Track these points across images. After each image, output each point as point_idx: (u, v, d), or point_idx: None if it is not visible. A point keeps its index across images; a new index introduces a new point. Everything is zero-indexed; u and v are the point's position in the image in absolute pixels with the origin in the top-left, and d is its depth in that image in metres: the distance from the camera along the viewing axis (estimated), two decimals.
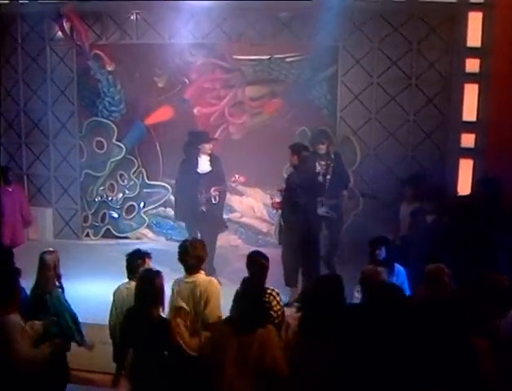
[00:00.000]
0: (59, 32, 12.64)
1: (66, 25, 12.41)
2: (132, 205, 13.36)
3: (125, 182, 13.26)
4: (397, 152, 12.25)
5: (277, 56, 12.46)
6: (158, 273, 6.67)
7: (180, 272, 7.26)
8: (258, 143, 12.34)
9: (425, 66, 12.01)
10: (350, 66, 12.16)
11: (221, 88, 12.80)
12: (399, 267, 8.36)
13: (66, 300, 7.67)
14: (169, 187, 12.87)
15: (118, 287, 7.43)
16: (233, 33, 12.36)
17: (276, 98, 12.65)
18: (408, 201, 10.90)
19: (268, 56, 12.46)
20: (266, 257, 7.12)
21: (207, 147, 10.76)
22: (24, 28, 13.00)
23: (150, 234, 13.47)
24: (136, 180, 13.24)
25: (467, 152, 11.95)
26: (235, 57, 12.60)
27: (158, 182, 13.15)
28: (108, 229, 13.48)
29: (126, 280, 7.39)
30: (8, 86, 13.19)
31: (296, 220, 9.72)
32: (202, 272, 7.03)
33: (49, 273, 7.55)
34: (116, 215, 13.41)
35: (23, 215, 12.26)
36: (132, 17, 12.60)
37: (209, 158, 10.80)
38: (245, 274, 7.09)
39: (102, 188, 13.34)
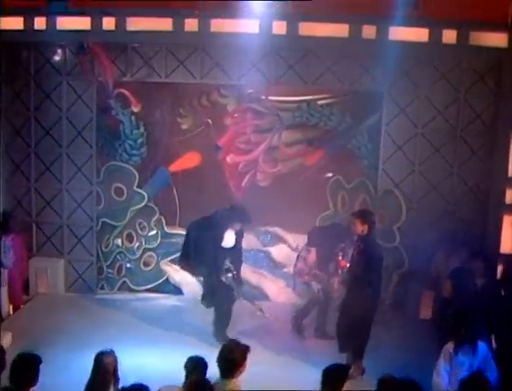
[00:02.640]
0: (79, 66, 12.18)
1: (87, 58, 11.98)
2: (151, 256, 13.00)
3: (145, 231, 12.89)
4: (439, 206, 12.23)
5: (317, 101, 12.42)
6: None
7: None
8: (287, 191, 12.26)
9: (472, 116, 12.07)
10: (394, 114, 12.12)
11: (256, 133, 12.68)
12: (482, 345, 8.22)
13: None
14: None
15: None
16: (271, 75, 12.13)
17: (313, 146, 12.59)
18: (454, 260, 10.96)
19: (308, 100, 12.39)
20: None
21: (238, 226, 10.81)
22: (39, 60, 12.45)
23: (169, 286, 13.09)
24: (156, 229, 12.89)
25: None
26: (271, 99, 12.50)
27: (177, 231, 12.79)
28: (124, 282, 13.06)
29: None
30: (18, 124, 12.62)
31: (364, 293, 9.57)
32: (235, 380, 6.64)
33: (107, 377, 6.89)
34: (133, 266, 13.03)
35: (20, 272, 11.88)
36: (161, 52, 12.21)
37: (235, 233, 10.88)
38: None
39: (119, 238, 12.94)
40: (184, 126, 12.75)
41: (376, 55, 11.55)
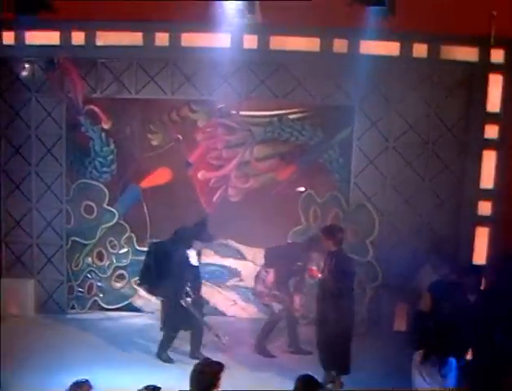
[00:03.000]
0: (49, 82, 12.14)
1: (57, 74, 11.93)
2: (122, 274, 12.88)
3: (116, 249, 12.78)
4: (411, 220, 12.30)
5: (289, 116, 12.48)
6: None
7: None
8: (259, 206, 12.20)
9: (443, 130, 12.19)
10: (365, 128, 12.19)
11: (228, 149, 12.69)
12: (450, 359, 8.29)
13: None
14: None
15: None
16: (242, 90, 12.15)
17: (285, 161, 12.61)
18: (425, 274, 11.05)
19: (279, 115, 12.46)
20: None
21: (199, 245, 10.90)
22: (7, 76, 12.34)
23: (141, 303, 12.97)
24: (127, 247, 12.79)
25: (484, 220, 12.12)
26: (243, 114, 12.52)
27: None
28: (95, 300, 12.93)
29: None
30: None
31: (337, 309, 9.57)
32: None
33: None
34: (104, 285, 12.90)
35: None
36: (131, 67, 12.19)
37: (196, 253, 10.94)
38: None
39: (89, 256, 12.83)
40: (155, 142, 12.71)
41: (347, 69, 11.67)
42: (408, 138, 12.20)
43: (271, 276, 11.01)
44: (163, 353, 10.80)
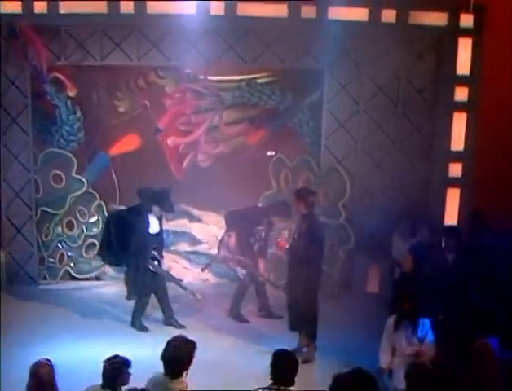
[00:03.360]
0: (11, 51, 11.84)
1: (20, 42, 11.66)
2: (93, 243, 12.79)
3: (86, 218, 12.70)
4: (382, 183, 12.41)
5: (257, 80, 12.44)
6: None
7: None
8: (229, 171, 12.23)
9: (412, 93, 12.25)
10: (335, 92, 12.20)
11: (196, 114, 12.63)
12: (424, 320, 8.40)
13: None
14: None
15: None
16: (211, 55, 12.00)
17: (254, 125, 12.63)
18: (403, 236, 11.23)
19: (247, 79, 12.43)
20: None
21: (158, 211, 10.81)
22: None
23: (112, 272, 12.92)
24: (97, 215, 12.72)
25: (454, 182, 12.31)
26: (211, 79, 12.45)
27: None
28: (66, 270, 12.88)
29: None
30: None
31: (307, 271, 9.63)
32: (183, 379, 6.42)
33: (44, 389, 6.46)
34: (75, 254, 12.87)
35: None
36: (96, 35, 11.98)
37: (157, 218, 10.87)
38: None
39: (59, 226, 12.75)
40: (122, 109, 12.63)
41: (316, 34, 11.67)
42: (379, 101, 12.28)
43: (232, 240, 11.15)
44: (137, 321, 10.87)
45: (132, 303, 11.03)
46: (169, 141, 12.67)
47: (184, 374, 6.29)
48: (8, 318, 10.92)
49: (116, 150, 12.66)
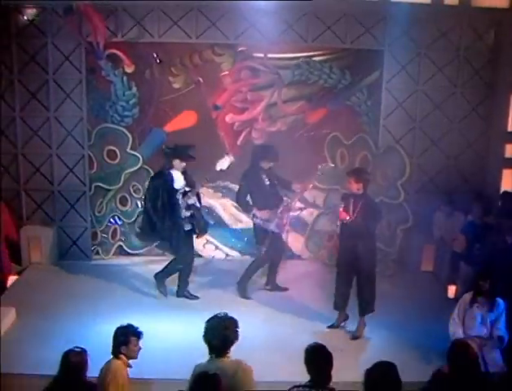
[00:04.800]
0: (66, 27, 11.91)
1: (75, 18, 11.72)
2: None
3: (140, 193, 12.83)
4: (439, 162, 12.78)
5: (316, 58, 12.64)
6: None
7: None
8: (283, 148, 12.35)
9: (471, 73, 12.53)
10: (395, 72, 12.45)
11: (255, 92, 12.82)
12: (499, 300, 8.86)
13: None
14: None
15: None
16: (269, 34, 12.15)
17: (312, 103, 12.85)
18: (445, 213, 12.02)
19: (307, 57, 12.62)
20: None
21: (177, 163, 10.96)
22: (19, 21, 12.12)
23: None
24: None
25: (510, 163, 12.68)
26: (271, 57, 12.61)
27: None
28: (119, 246, 13.14)
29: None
30: (0, 88, 12.29)
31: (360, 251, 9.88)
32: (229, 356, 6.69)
33: (74, 377, 6.66)
34: (128, 230, 13.10)
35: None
36: (153, 13, 12.05)
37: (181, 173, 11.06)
38: None
39: (113, 202, 12.96)
40: (176, 85, 12.73)
41: (377, 14, 12.02)
42: (437, 81, 12.53)
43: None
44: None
45: None
46: (228, 118, 12.85)
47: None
48: (64, 293, 11.37)
49: (171, 126, 12.80)
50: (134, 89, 12.62)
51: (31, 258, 12.61)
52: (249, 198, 11.25)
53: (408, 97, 12.55)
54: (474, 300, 8.82)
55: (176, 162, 10.85)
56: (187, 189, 10.98)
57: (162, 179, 10.90)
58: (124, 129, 12.68)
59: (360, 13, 12.06)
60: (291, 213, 11.58)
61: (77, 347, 6.75)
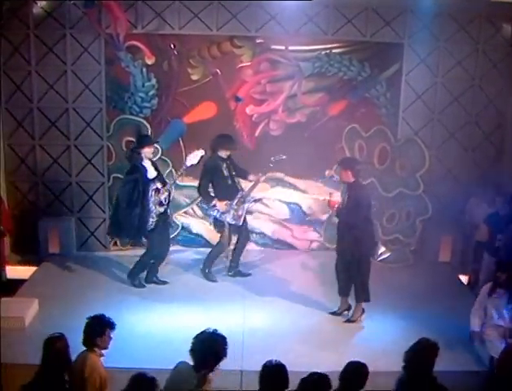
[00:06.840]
0: (85, 18, 12.21)
1: (95, 10, 12.03)
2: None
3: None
4: (457, 154, 13.27)
5: (336, 50, 13.03)
6: None
7: None
8: (301, 140, 13.11)
9: (489, 66, 12.98)
10: (414, 65, 12.87)
11: (275, 83, 13.18)
12: None
13: None
14: None
15: None
16: (290, 27, 12.54)
17: (331, 95, 13.24)
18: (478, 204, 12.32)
19: (327, 49, 13.01)
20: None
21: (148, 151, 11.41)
22: (38, 12, 12.38)
23: (183, 239, 13.74)
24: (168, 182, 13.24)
25: None
26: (291, 49, 12.96)
27: (189, 183, 13.22)
28: None
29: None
30: (18, 80, 12.56)
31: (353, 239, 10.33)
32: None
33: (58, 362, 6.88)
34: None
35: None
36: (173, 5, 12.37)
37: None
38: None
39: None
40: (195, 77, 13.07)
41: (397, 8, 12.45)
42: (456, 74, 12.97)
43: None
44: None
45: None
46: (248, 109, 13.20)
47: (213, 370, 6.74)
48: (86, 284, 11.74)
49: (190, 118, 13.15)
50: (154, 80, 12.93)
51: (49, 249, 12.94)
52: (210, 189, 11.80)
53: (426, 89, 12.97)
54: (493, 291, 9.32)
55: (143, 151, 11.29)
56: (159, 186, 11.41)
57: (133, 171, 11.33)
58: (143, 120, 12.98)
59: (381, 6, 12.47)
60: (246, 205, 12.00)
61: (57, 333, 7.01)
